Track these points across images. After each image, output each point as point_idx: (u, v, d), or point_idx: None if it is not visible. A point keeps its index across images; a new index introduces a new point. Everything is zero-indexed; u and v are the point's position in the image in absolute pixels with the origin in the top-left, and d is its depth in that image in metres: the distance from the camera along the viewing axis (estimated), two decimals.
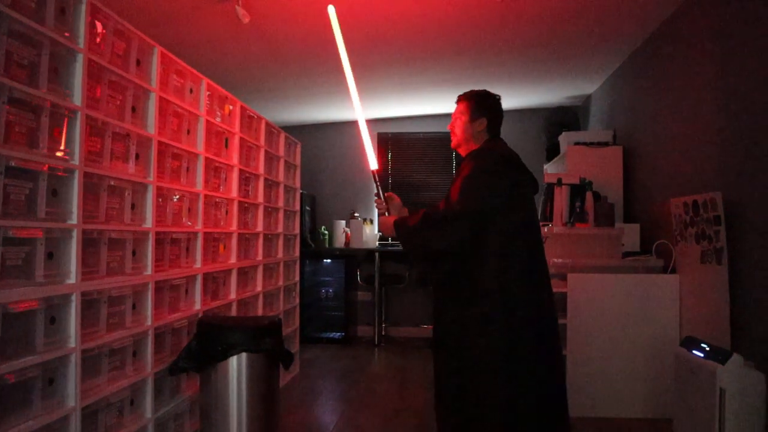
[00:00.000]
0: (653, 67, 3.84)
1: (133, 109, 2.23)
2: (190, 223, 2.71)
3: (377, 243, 5.95)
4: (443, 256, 1.97)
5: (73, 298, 1.83)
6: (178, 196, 2.60)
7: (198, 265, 2.76)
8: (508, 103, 5.80)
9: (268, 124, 3.80)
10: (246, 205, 3.42)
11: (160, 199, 2.43)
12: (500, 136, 2.19)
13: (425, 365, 4.61)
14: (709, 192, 2.79)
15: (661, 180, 3.70)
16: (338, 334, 5.72)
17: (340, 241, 6.04)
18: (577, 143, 4.46)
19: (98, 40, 2.01)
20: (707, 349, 2.51)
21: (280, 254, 4.06)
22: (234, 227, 3.20)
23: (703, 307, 2.99)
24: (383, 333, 5.88)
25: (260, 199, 3.63)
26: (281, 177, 4.10)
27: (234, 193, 3.20)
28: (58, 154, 1.81)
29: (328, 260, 5.89)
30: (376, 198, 2.27)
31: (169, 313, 2.51)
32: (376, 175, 2.28)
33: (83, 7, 1.89)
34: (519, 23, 3.62)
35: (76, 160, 1.86)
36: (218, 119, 3.02)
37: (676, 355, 2.74)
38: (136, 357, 2.22)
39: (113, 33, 2.10)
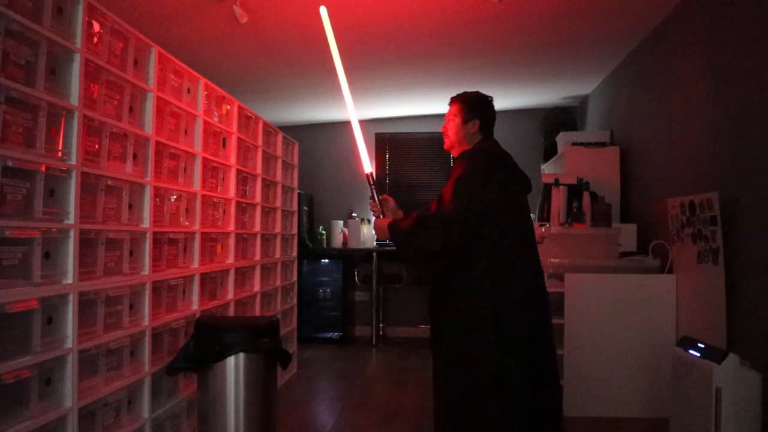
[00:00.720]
0: (650, 68, 3.85)
1: (131, 109, 2.23)
2: (187, 223, 2.71)
3: (375, 243, 5.95)
4: (436, 256, 1.97)
5: (70, 298, 1.82)
6: (175, 196, 2.60)
7: (195, 265, 2.75)
8: (505, 103, 5.86)
9: (265, 124, 3.80)
10: (244, 205, 3.42)
11: (158, 199, 2.43)
12: (493, 136, 2.20)
13: (423, 365, 4.61)
14: (706, 192, 2.80)
15: (658, 180, 3.71)
16: (336, 334, 5.71)
17: (337, 241, 6.04)
18: (574, 143, 4.47)
19: (95, 39, 2.01)
20: (703, 348, 2.51)
21: (278, 254, 4.06)
22: (232, 227, 3.20)
23: (699, 307, 3.00)
24: (381, 333, 5.88)
25: (258, 199, 3.63)
26: (279, 177, 4.10)
27: (231, 193, 3.20)
28: (56, 154, 1.81)
29: (326, 260, 5.89)
30: (370, 201, 2.26)
31: (167, 313, 2.51)
32: (371, 178, 2.25)
33: (80, 7, 1.88)
34: (517, 24, 3.63)
35: (74, 160, 1.86)
36: (216, 119, 3.02)
37: (672, 354, 2.74)
38: (133, 357, 2.22)
39: (110, 32, 2.10)
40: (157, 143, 2.39)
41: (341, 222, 6.13)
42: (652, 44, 3.81)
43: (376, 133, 6.31)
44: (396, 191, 6.29)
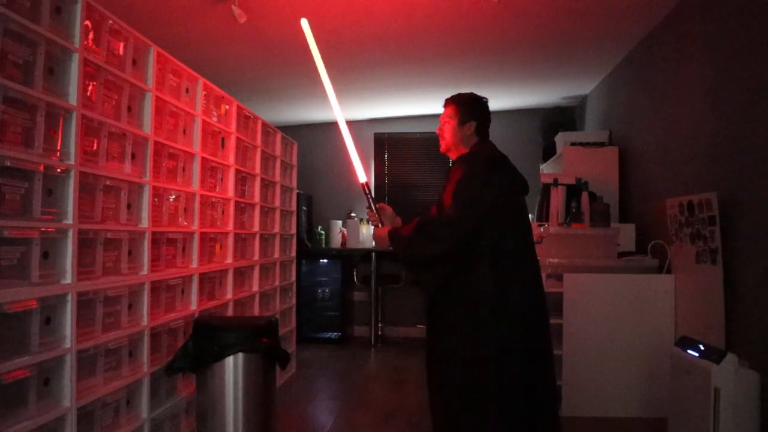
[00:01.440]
0: (649, 68, 3.86)
1: (129, 109, 2.23)
2: (186, 223, 2.71)
3: (373, 243, 5.94)
4: (438, 262, 1.96)
5: (69, 298, 1.82)
6: (174, 196, 2.60)
7: (194, 265, 2.75)
8: (504, 103, 5.87)
9: (264, 124, 3.80)
10: (242, 205, 3.42)
11: (157, 199, 2.43)
12: (488, 137, 2.20)
13: (421, 365, 4.59)
14: (704, 192, 2.80)
15: (657, 180, 3.72)
16: (335, 334, 5.71)
17: (336, 241, 6.04)
18: (573, 144, 4.47)
19: (94, 39, 2.01)
20: (702, 348, 2.52)
21: (277, 254, 4.06)
22: (230, 227, 3.20)
23: (698, 307, 3.00)
24: (380, 333, 5.88)
25: (257, 199, 3.63)
26: (278, 177, 4.10)
27: (230, 193, 3.20)
28: (54, 153, 1.81)
29: (325, 260, 5.89)
30: (368, 211, 2.24)
31: (166, 313, 2.50)
32: (366, 188, 2.22)
33: (79, 7, 1.88)
34: (516, 24, 3.63)
35: (72, 160, 1.85)
36: (214, 119, 3.02)
37: (671, 354, 2.75)
38: (132, 357, 2.22)
39: (109, 32, 2.10)
40: (156, 143, 2.39)
41: (340, 222, 6.13)
42: (650, 44, 3.82)
43: (374, 133, 6.31)
44: (394, 191, 6.30)
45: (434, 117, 6.10)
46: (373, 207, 2.22)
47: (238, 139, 3.29)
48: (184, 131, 2.68)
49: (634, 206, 4.11)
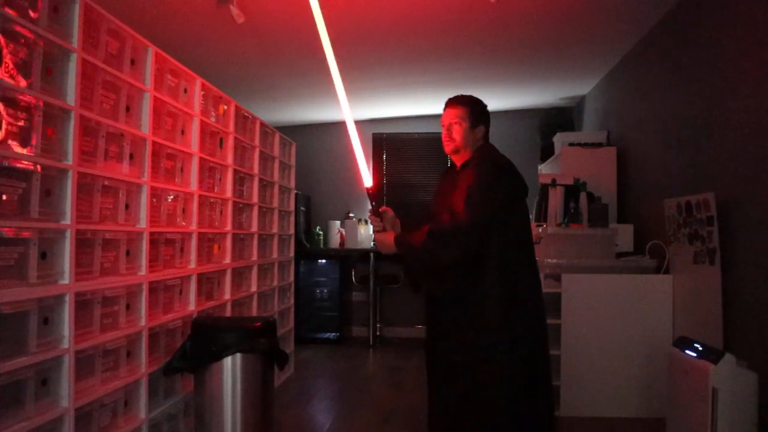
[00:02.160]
0: (646, 69, 3.86)
1: (127, 109, 2.22)
2: (184, 224, 2.70)
3: (372, 243, 5.94)
4: (452, 268, 1.96)
5: (67, 298, 1.82)
6: (172, 197, 2.59)
7: (192, 265, 2.75)
8: (503, 103, 5.87)
9: (262, 124, 3.80)
10: (241, 205, 3.42)
11: (155, 200, 2.42)
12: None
13: (420, 365, 4.61)
14: (702, 193, 2.81)
15: (655, 181, 3.72)
16: (333, 334, 5.71)
17: (334, 242, 6.04)
18: (571, 144, 4.48)
19: (92, 39, 2.00)
20: (700, 348, 2.52)
21: (275, 254, 4.05)
22: (228, 227, 3.19)
23: (696, 307, 3.01)
24: (378, 333, 5.88)
25: (255, 199, 3.62)
26: (276, 177, 4.09)
27: (228, 193, 3.20)
28: (52, 153, 1.80)
29: (323, 260, 5.88)
30: (371, 215, 2.20)
31: (164, 313, 2.50)
32: (371, 193, 2.19)
33: (77, 6, 1.88)
34: (514, 24, 3.63)
35: (70, 160, 1.85)
36: (213, 119, 3.01)
37: (669, 354, 2.75)
38: (130, 358, 2.21)
39: (107, 32, 2.09)
40: (154, 143, 2.38)
41: (338, 222, 6.13)
42: (648, 45, 3.82)
43: (373, 134, 6.31)
44: (393, 191, 6.30)
45: (432, 117, 6.14)
46: (377, 212, 2.18)
47: (236, 139, 3.28)
48: (183, 131, 2.68)
49: (632, 206, 4.12)
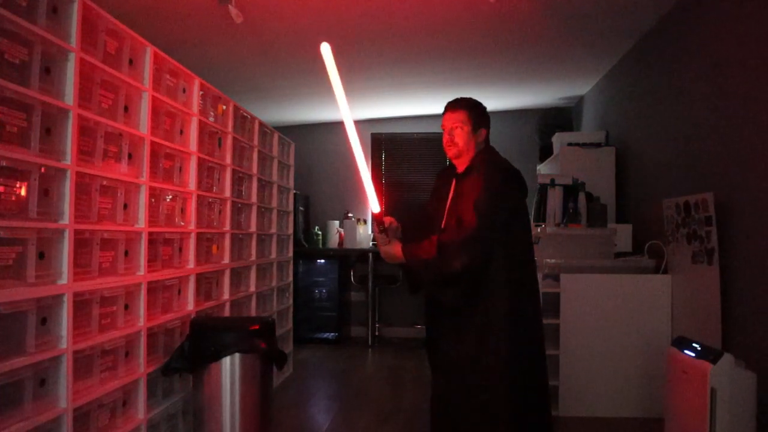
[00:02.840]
0: (645, 69, 3.87)
1: (126, 109, 2.22)
2: (183, 224, 2.70)
3: (371, 243, 5.95)
4: (463, 277, 1.96)
5: (65, 298, 1.82)
6: (170, 196, 2.59)
7: (191, 265, 2.75)
8: (502, 103, 5.87)
9: (261, 124, 3.79)
10: (239, 205, 3.41)
11: (153, 199, 2.42)
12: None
13: (419, 365, 4.61)
14: (701, 193, 2.81)
15: (653, 181, 3.73)
16: (332, 334, 5.71)
17: (333, 242, 6.04)
18: (570, 144, 4.48)
19: (91, 39, 2.00)
20: (698, 348, 2.52)
21: (274, 254, 4.05)
22: (227, 227, 3.19)
23: (694, 307, 3.01)
24: (377, 333, 5.88)
25: (254, 199, 3.62)
26: (275, 177, 4.09)
27: (227, 193, 3.19)
28: (50, 153, 1.80)
29: (322, 260, 5.88)
30: (376, 234, 2.16)
31: (162, 313, 2.50)
32: (378, 218, 2.11)
33: (75, 6, 1.87)
34: (513, 24, 3.63)
35: (68, 160, 1.85)
36: (211, 119, 3.01)
37: (667, 354, 2.75)
38: (128, 358, 2.21)
39: (106, 32, 2.09)
40: (153, 143, 2.38)
41: (337, 222, 6.13)
42: (647, 45, 3.83)
43: (371, 134, 6.31)
44: (391, 191, 6.30)
45: (431, 117, 6.14)
46: (384, 232, 2.13)
47: (235, 139, 3.28)
48: (181, 131, 2.68)
49: (631, 207, 4.12)
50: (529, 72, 4.76)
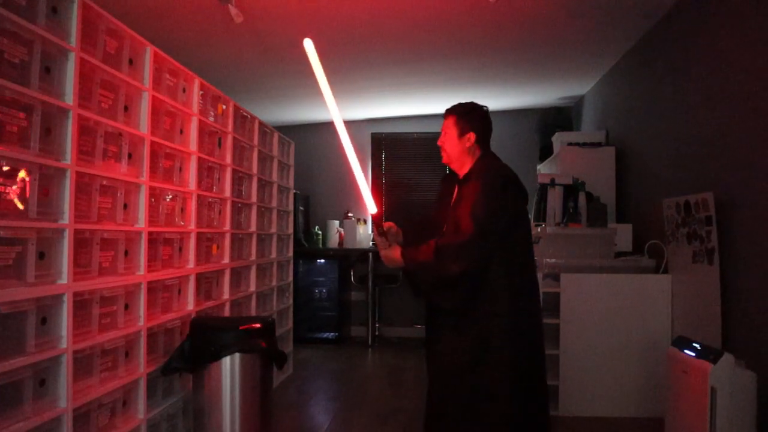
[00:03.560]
0: (645, 69, 3.86)
1: (126, 109, 2.22)
2: (183, 223, 2.70)
3: (371, 243, 5.94)
4: (461, 282, 1.96)
5: (65, 298, 1.82)
6: (170, 196, 2.59)
7: (191, 265, 2.75)
8: (502, 103, 5.87)
9: (261, 124, 3.79)
10: (239, 205, 3.41)
11: (153, 199, 2.42)
12: (489, 147, 2.20)
13: (418, 365, 4.61)
14: (701, 192, 2.81)
15: (653, 180, 3.73)
16: (332, 334, 5.71)
17: (333, 241, 6.04)
18: (570, 144, 4.48)
19: (90, 38, 2.00)
20: (699, 348, 2.52)
21: (274, 254, 4.05)
22: (227, 227, 3.19)
23: (694, 307, 3.01)
24: (377, 333, 5.88)
25: (254, 199, 3.62)
26: (275, 177, 4.09)
27: (227, 193, 3.19)
28: (50, 153, 1.80)
29: (322, 260, 5.88)
30: (375, 236, 2.17)
31: (162, 313, 2.50)
32: (376, 219, 2.13)
33: (75, 6, 1.87)
34: (512, 24, 3.63)
35: (68, 160, 1.85)
36: (211, 119, 3.01)
37: (667, 354, 2.75)
38: (128, 358, 2.21)
39: (106, 32, 2.09)
40: (153, 143, 2.38)
41: (337, 222, 6.13)
42: (647, 45, 3.83)
43: (371, 133, 6.31)
44: (391, 191, 6.30)
45: (431, 117, 6.14)
46: (383, 235, 2.14)
47: (235, 138, 3.28)
48: (181, 131, 2.68)
49: (631, 206, 4.12)
50: (529, 72, 4.76)
